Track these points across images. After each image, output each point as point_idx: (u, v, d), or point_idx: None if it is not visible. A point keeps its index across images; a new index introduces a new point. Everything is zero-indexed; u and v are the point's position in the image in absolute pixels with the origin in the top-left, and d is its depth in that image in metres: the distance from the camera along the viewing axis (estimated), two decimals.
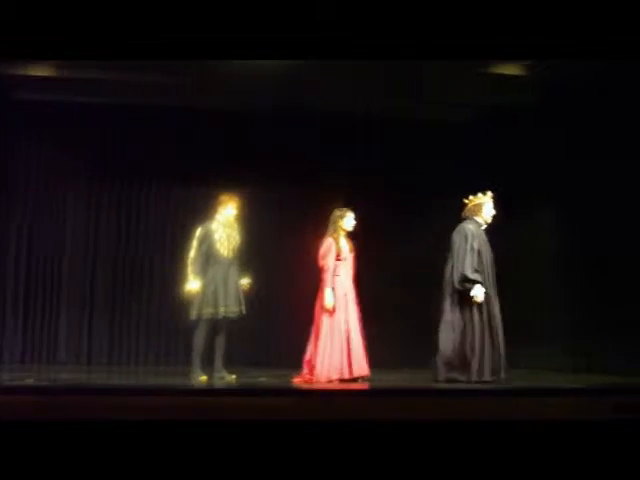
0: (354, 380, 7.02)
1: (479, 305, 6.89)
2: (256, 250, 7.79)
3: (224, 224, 7.38)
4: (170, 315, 9.22)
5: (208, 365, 7.27)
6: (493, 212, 7.21)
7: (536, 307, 8.76)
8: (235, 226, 7.44)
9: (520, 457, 4.66)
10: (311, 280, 7.47)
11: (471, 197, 7.27)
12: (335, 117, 9.25)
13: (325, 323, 7.09)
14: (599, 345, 7.79)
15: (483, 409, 5.44)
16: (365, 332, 7.25)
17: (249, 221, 7.72)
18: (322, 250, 7.24)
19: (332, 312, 7.08)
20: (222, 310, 7.18)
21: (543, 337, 8.54)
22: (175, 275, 8.61)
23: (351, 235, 7.40)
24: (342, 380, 6.97)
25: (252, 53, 5.97)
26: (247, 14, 5.41)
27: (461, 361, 6.89)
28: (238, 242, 7.39)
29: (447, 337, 6.96)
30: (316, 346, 7.07)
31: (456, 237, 7.11)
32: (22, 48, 5.58)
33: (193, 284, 7.22)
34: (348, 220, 7.31)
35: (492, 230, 7.26)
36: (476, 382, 6.77)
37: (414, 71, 7.86)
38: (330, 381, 6.92)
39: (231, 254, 7.33)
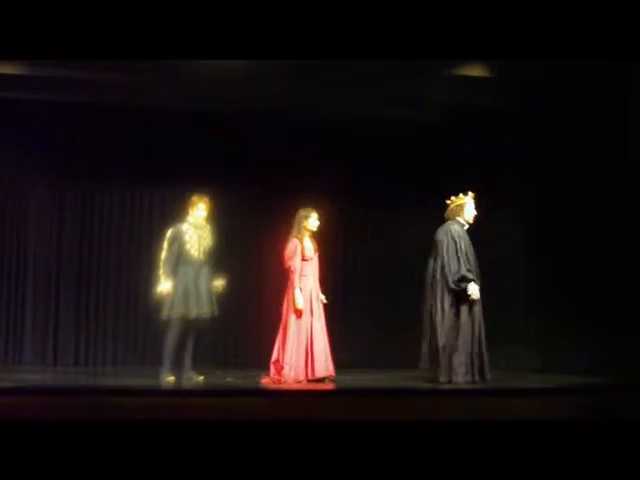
0: (321, 380, 7.05)
1: (470, 305, 6.94)
2: (225, 251, 7.78)
3: (195, 225, 7.36)
4: (138, 316, 9.21)
5: (177, 366, 7.26)
6: (474, 212, 7.24)
7: (505, 307, 8.80)
8: (206, 227, 7.44)
9: (494, 457, 4.69)
10: (277, 281, 7.51)
11: (453, 198, 7.28)
12: (305, 119, 9.27)
13: (292, 324, 7.11)
14: (568, 345, 7.87)
15: (458, 409, 5.48)
16: (330, 332, 7.33)
17: (219, 222, 7.71)
18: (287, 251, 7.27)
19: (300, 313, 7.11)
20: (194, 311, 7.17)
21: (513, 337, 8.60)
22: (142, 276, 8.61)
23: (316, 235, 7.44)
24: (309, 380, 7.01)
25: (252, 53, 5.95)
26: (243, 14, 5.43)
27: (449, 361, 6.90)
28: (209, 243, 7.38)
29: (438, 337, 6.97)
30: (284, 347, 7.09)
31: (443, 237, 7.12)
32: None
33: (165, 285, 7.19)
34: (312, 220, 7.34)
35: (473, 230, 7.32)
36: (464, 382, 6.78)
37: (386, 71, 7.88)
38: (298, 381, 6.95)
39: (202, 255, 7.30)
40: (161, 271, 7.25)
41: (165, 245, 7.30)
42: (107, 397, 5.73)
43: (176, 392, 6.63)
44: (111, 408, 5.21)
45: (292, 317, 7.12)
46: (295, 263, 7.20)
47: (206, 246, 7.34)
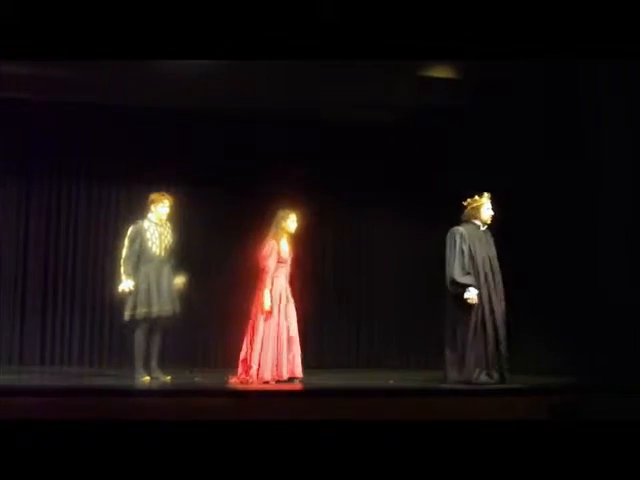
0: (289, 381, 7.04)
1: (475, 306, 6.87)
2: (190, 249, 7.74)
3: (156, 223, 7.31)
4: (104, 316, 9.15)
5: (144, 365, 7.21)
6: (491, 212, 7.19)
7: None
8: (168, 225, 7.39)
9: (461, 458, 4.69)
10: (246, 280, 7.48)
11: (469, 200, 7.23)
12: (272, 119, 9.23)
13: (261, 324, 7.09)
14: (535, 345, 7.92)
15: (420, 409, 5.50)
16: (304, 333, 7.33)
17: (183, 220, 7.66)
18: (264, 251, 7.19)
19: (269, 313, 7.08)
20: (156, 309, 7.12)
21: None
22: (108, 275, 8.55)
23: (294, 237, 7.40)
24: (278, 381, 6.99)
25: (253, 54, 5.93)
26: (243, 15, 5.41)
27: (459, 361, 6.88)
28: (171, 241, 7.34)
29: (447, 338, 6.98)
30: (252, 346, 7.06)
31: (448, 240, 7.09)
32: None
33: (126, 284, 7.12)
34: (291, 222, 7.29)
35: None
36: (472, 383, 6.74)
37: (347, 73, 7.88)
38: (266, 382, 6.93)
39: (163, 253, 7.26)
40: (122, 269, 7.18)
41: (126, 243, 7.24)
42: (73, 397, 5.68)
43: (143, 392, 6.58)
44: (77, 409, 5.18)
45: (261, 317, 7.09)
46: (270, 264, 7.15)
47: (167, 243, 7.30)
